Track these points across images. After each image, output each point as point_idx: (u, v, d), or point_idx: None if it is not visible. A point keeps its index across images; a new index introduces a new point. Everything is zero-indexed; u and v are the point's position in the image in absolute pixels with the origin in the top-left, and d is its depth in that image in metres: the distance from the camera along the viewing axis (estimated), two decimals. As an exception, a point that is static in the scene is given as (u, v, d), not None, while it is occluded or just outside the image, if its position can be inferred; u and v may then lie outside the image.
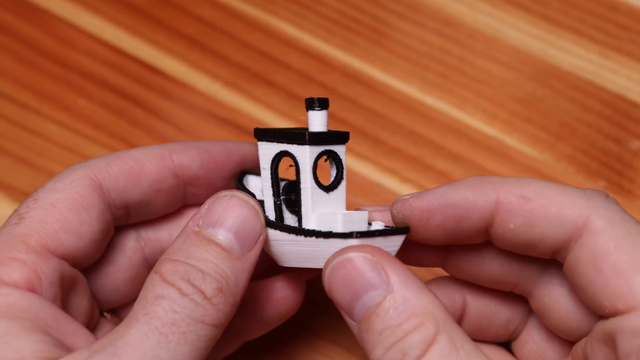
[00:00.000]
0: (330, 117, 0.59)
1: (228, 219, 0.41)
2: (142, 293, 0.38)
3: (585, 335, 0.41)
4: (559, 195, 0.39)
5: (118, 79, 0.61)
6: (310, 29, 0.63)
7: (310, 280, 0.53)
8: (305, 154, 0.41)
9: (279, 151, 0.42)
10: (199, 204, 0.45)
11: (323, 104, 0.42)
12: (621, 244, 0.37)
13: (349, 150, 0.58)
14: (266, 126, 0.55)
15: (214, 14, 0.63)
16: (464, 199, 0.40)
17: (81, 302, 0.42)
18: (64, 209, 0.41)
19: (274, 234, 0.42)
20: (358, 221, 0.42)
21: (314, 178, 0.41)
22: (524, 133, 0.58)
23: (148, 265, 0.46)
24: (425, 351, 0.36)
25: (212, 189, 0.45)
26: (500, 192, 0.40)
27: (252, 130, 0.44)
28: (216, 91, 0.61)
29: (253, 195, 0.43)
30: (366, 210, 0.43)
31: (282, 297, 0.46)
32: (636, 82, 0.60)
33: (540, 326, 0.44)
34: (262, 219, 0.41)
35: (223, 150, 0.46)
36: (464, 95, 0.60)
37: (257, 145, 0.46)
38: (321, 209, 0.42)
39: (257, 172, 0.46)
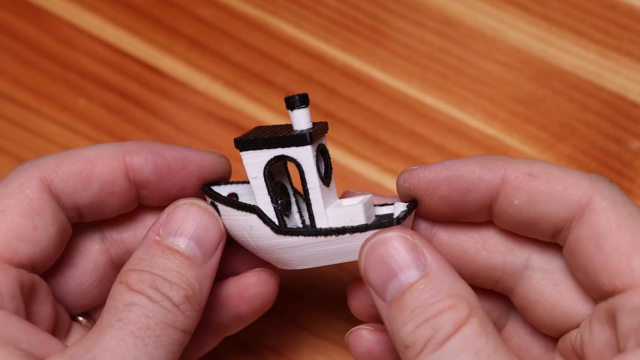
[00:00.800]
0: (330, 116, 0.60)
1: (189, 227, 0.41)
2: (110, 302, 0.39)
3: (571, 328, 0.41)
4: (564, 175, 0.40)
5: (118, 79, 0.61)
6: (310, 29, 0.63)
7: (310, 282, 0.53)
8: (308, 154, 0.41)
9: (272, 157, 0.41)
10: (153, 206, 0.45)
11: (305, 100, 0.41)
12: (623, 223, 0.38)
13: (348, 150, 0.58)
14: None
15: (214, 14, 0.63)
16: (471, 172, 0.41)
17: (43, 308, 0.41)
18: (15, 215, 0.40)
19: (294, 240, 0.41)
20: (371, 207, 0.42)
21: (319, 176, 0.41)
22: (524, 133, 0.58)
23: (115, 266, 0.45)
24: (456, 330, 0.36)
25: (164, 196, 0.44)
26: (507, 168, 0.40)
27: (252, 130, 0.43)
28: (216, 91, 0.60)
29: (247, 204, 0.42)
30: (363, 194, 0.43)
31: (255, 293, 0.45)
32: (636, 82, 0.60)
33: (524, 321, 0.44)
34: (222, 226, 0.42)
35: (180, 157, 0.44)
36: (464, 95, 0.60)
37: (219, 156, 0.45)
38: (329, 203, 0.42)
39: (219, 181, 0.45)
